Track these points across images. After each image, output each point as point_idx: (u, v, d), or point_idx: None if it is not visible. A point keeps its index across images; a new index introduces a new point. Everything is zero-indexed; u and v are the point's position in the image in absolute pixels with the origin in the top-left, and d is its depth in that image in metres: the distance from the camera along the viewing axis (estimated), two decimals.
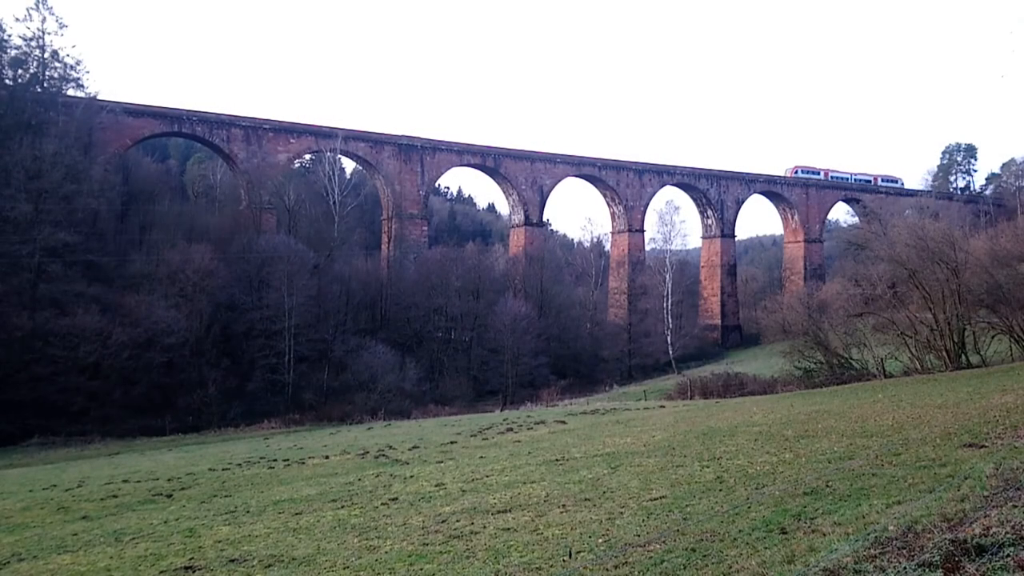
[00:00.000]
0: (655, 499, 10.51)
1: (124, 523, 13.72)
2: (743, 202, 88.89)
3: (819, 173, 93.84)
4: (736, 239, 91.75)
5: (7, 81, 50.55)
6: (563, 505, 10.84)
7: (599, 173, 79.80)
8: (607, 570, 7.37)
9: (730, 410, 25.78)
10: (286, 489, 16.19)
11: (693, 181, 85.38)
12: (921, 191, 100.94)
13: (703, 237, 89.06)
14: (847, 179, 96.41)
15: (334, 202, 65.48)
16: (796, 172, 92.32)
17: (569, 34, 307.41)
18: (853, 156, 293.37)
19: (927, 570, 5.79)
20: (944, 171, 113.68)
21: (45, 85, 52.15)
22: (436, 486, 14.16)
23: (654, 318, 74.27)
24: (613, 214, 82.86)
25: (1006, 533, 6.21)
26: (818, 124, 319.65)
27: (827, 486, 9.86)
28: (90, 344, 41.66)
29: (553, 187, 77.71)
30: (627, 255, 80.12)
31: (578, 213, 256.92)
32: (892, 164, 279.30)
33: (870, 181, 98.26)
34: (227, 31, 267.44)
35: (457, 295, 62.19)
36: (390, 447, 23.15)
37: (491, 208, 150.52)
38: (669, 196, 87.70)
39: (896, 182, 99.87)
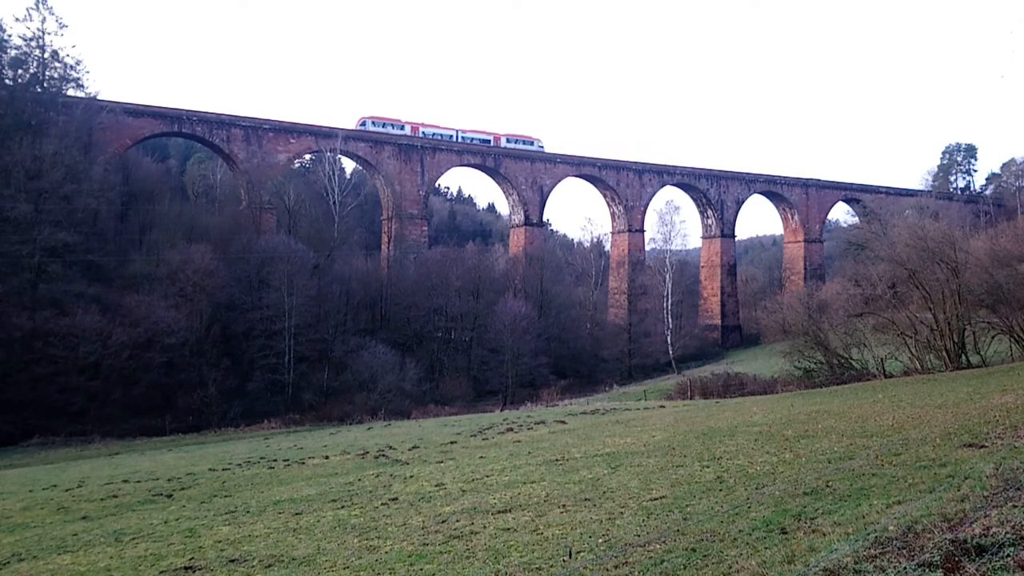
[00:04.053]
0: (655, 499, 10.50)
1: (124, 523, 13.71)
2: (743, 202, 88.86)
3: (403, 127, 72.19)
4: (736, 239, 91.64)
5: (7, 81, 50.54)
6: (563, 505, 10.84)
7: (599, 173, 79.77)
8: (607, 570, 7.37)
9: (730, 410, 25.76)
10: (286, 489, 16.18)
11: (693, 181, 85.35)
12: (921, 191, 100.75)
13: (703, 237, 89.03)
14: (450, 137, 74.61)
15: (334, 202, 65.48)
16: (362, 124, 71.20)
17: (569, 34, 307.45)
18: (853, 156, 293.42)
19: (927, 570, 5.78)
20: (944, 171, 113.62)
21: (45, 85, 52.14)
22: (436, 486, 14.16)
23: (654, 318, 74.23)
24: (613, 214, 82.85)
25: (1006, 533, 6.21)
26: (818, 124, 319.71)
27: (827, 486, 9.86)
28: (90, 344, 41.65)
29: (553, 187, 77.71)
30: (627, 255, 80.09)
31: (578, 213, 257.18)
32: (892, 165, 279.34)
33: (489, 141, 76.83)
34: (227, 31, 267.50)
35: (457, 295, 62.16)
36: (390, 447, 23.14)
37: (491, 208, 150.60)
38: (669, 196, 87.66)
39: (532, 144, 78.49)
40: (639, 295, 76.04)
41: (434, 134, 73.69)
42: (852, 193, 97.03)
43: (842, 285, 52.24)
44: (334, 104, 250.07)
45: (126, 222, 56.58)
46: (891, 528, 7.16)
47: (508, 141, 77.89)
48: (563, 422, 27.34)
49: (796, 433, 15.96)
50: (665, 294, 73.70)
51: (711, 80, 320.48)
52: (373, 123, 71.52)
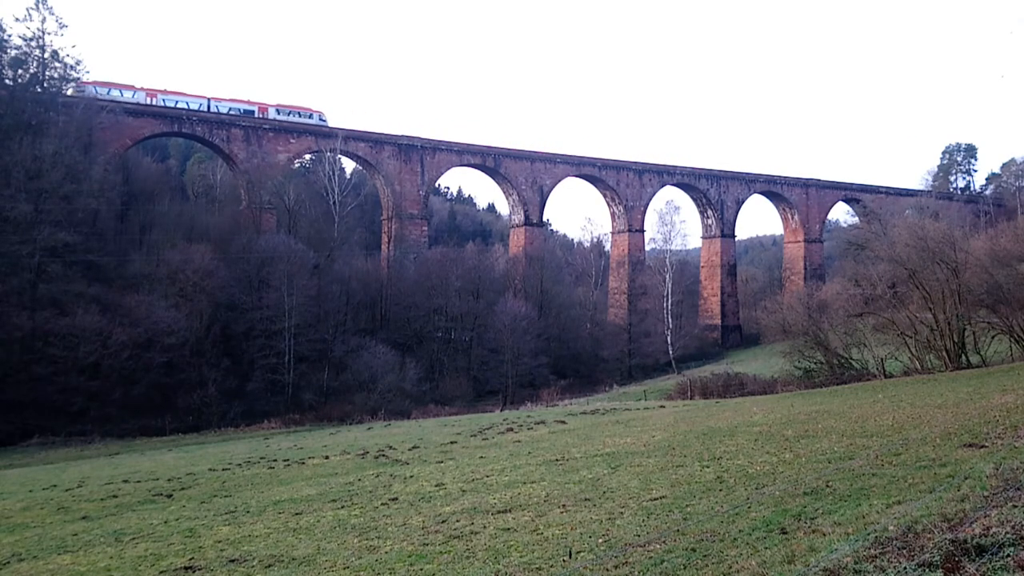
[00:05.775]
0: (655, 499, 10.50)
1: (124, 523, 13.71)
2: (743, 202, 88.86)
3: (134, 93, 60.71)
4: (736, 239, 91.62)
5: (7, 81, 50.52)
6: (563, 505, 10.84)
7: (599, 173, 79.78)
8: (607, 570, 7.37)
9: (730, 410, 25.77)
10: (286, 489, 16.18)
11: (693, 181, 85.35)
12: (921, 191, 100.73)
13: (703, 237, 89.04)
14: (200, 107, 64.00)
15: (334, 202, 65.51)
16: (80, 90, 56.48)
17: (569, 34, 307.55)
18: (853, 156, 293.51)
19: (927, 570, 5.78)
20: (944, 171, 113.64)
21: (45, 85, 52.14)
22: (436, 486, 14.16)
23: (654, 318, 74.24)
24: (613, 214, 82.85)
25: (1006, 533, 6.21)
26: (819, 124, 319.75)
27: (827, 486, 9.86)
28: (90, 344, 41.65)
29: (553, 187, 77.69)
30: (627, 255, 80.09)
31: (578, 213, 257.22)
32: (892, 165, 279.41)
33: (252, 112, 66.46)
34: (227, 31, 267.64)
35: (457, 295, 62.17)
36: (390, 447, 23.14)
37: (491, 208, 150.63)
38: (669, 196, 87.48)
39: (311, 116, 69.08)
40: (639, 295, 76.04)
41: (177, 102, 63.10)
42: (852, 193, 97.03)
43: (842, 285, 52.20)
44: (335, 104, 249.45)
45: (126, 222, 56.62)
46: (891, 528, 7.16)
47: (279, 112, 68.11)
48: (563, 422, 27.35)
49: (796, 433, 15.96)
50: (665, 294, 73.70)
51: (711, 80, 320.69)
52: (96, 88, 58.36)
